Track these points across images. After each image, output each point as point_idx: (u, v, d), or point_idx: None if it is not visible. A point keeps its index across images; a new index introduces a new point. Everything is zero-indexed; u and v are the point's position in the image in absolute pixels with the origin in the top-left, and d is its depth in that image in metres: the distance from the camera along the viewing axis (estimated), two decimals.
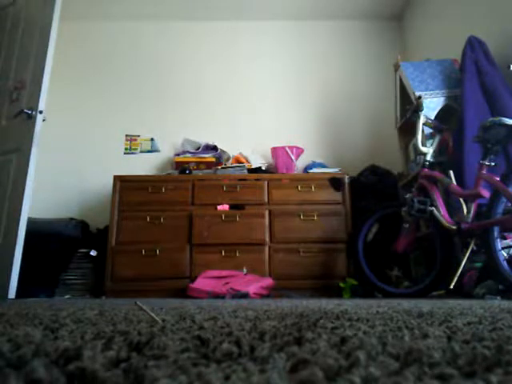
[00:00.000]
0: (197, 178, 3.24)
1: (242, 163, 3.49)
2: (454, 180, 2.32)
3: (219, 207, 3.11)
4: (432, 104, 2.74)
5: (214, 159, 3.52)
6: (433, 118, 2.67)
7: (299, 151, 3.58)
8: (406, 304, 1.33)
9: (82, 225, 3.30)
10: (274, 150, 3.57)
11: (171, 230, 3.05)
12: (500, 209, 2.02)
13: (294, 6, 4.10)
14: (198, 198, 3.14)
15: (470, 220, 2.14)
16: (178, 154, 3.61)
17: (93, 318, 0.75)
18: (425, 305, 1.24)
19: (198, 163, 3.48)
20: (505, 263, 1.95)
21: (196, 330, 0.54)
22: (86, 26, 4.21)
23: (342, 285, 2.86)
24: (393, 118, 3.44)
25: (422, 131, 2.59)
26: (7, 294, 2.26)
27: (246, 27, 4.26)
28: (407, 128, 3.17)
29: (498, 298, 1.95)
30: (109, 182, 3.26)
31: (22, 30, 2.89)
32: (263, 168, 3.51)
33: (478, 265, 2.26)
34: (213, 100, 4.05)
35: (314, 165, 3.53)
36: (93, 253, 3.11)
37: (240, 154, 3.67)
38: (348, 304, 1.34)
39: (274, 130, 3.93)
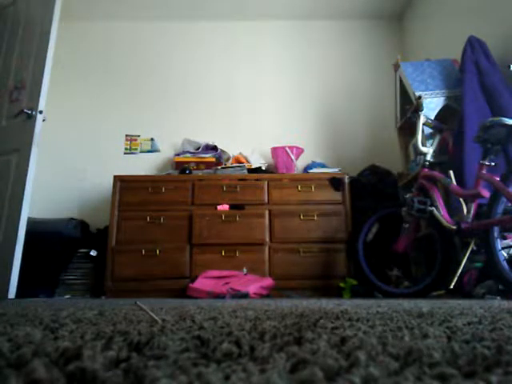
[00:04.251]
0: (197, 177, 3.23)
1: (242, 163, 3.49)
2: (454, 180, 2.32)
3: (219, 207, 3.11)
4: (432, 104, 2.74)
5: (214, 159, 3.52)
6: (433, 118, 2.67)
7: (299, 151, 3.58)
8: (406, 304, 1.33)
9: (82, 225, 3.30)
10: (274, 149, 3.57)
11: (171, 230, 3.04)
12: (500, 209, 2.02)
13: (294, 6, 4.10)
14: (198, 197, 3.14)
15: (470, 220, 2.14)
16: (178, 154, 3.61)
17: (93, 318, 0.75)
18: (425, 305, 1.24)
19: (197, 163, 3.48)
20: (505, 263, 1.95)
21: (196, 330, 0.54)
22: (86, 26, 4.21)
23: (342, 285, 2.86)
24: (393, 118, 3.44)
25: (422, 131, 2.59)
26: (7, 293, 2.26)
27: (245, 27, 4.26)
28: (407, 128, 3.17)
29: (498, 298, 1.95)
30: (109, 182, 3.26)
31: (22, 29, 2.89)
32: (263, 168, 3.51)
33: (478, 265, 2.26)
34: (213, 100, 4.05)
35: (313, 165, 3.53)
36: (93, 253, 3.11)
37: (240, 154, 3.67)
38: (348, 304, 1.34)
39: (274, 130, 3.93)
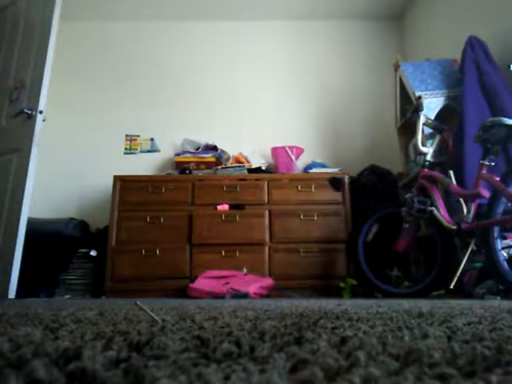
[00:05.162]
0: (197, 177, 3.23)
1: (242, 163, 3.49)
2: (454, 180, 2.32)
3: (219, 207, 3.11)
4: (432, 104, 2.74)
5: (214, 159, 3.52)
6: (433, 118, 2.67)
7: (299, 151, 3.58)
8: (406, 304, 1.33)
9: (82, 225, 3.30)
10: (274, 149, 3.57)
11: (171, 230, 3.04)
12: (500, 209, 2.02)
13: (294, 6, 4.10)
14: (198, 197, 3.14)
15: (470, 220, 2.14)
16: (178, 154, 3.61)
17: (93, 318, 0.75)
18: (425, 305, 1.24)
19: (198, 163, 3.48)
20: (505, 263, 1.95)
21: (196, 330, 0.54)
22: (86, 26, 4.21)
23: (341, 285, 2.86)
24: (393, 118, 3.44)
25: (422, 131, 2.59)
26: (7, 293, 2.26)
27: (246, 27, 4.26)
28: (407, 128, 3.17)
29: (498, 298, 1.95)
30: (109, 182, 3.26)
31: (22, 30, 2.89)
32: (263, 168, 3.51)
33: (478, 265, 2.26)
34: (213, 100, 4.05)
35: (314, 165, 3.53)
36: (93, 253, 3.11)
37: (240, 154, 3.67)
38: (348, 304, 1.34)
39: (274, 130, 3.93)
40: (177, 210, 3.10)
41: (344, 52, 4.21)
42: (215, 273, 2.82)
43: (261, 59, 4.19)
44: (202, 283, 2.70)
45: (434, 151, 2.49)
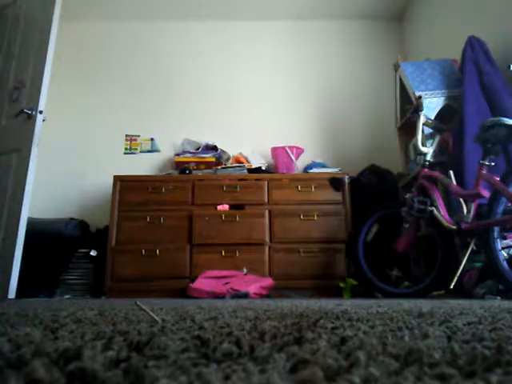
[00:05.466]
0: (197, 177, 3.23)
1: (242, 163, 3.49)
2: (454, 180, 2.32)
3: (219, 207, 3.11)
4: (432, 104, 2.74)
5: (214, 159, 3.52)
6: (433, 118, 2.67)
7: (299, 151, 3.58)
8: (406, 304, 1.33)
9: (82, 225, 3.30)
10: (274, 149, 3.57)
11: (171, 230, 3.05)
12: (500, 209, 2.02)
13: (294, 6, 4.10)
14: (198, 197, 3.14)
15: (470, 220, 2.14)
16: (178, 154, 3.61)
17: (93, 318, 0.75)
18: (425, 305, 1.24)
19: (197, 163, 3.48)
20: (505, 263, 1.95)
21: (196, 330, 0.54)
22: (86, 26, 4.21)
23: (341, 285, 2.86)
24: (393, 118, 3.44)
25: (422, 131, 2.59)
26: (7, 293, 2.26)
27: (245, 27, 4.26)
28: (407, 128, 3.17)
29: (498, 298, 1.95)
30: (109, 182, 3.26)
31: (21, 29, 2.89)
32: (263, 168, 3.50)
33: (478, 265, 2.26)
34: (213, 100, 4.05)
35: (314, 165, 3.53)
36: (93, 253, 3.11)
37: (240, 154, 3.67)
38: (348, 304, 1.34)
39: (274, 130, 3.93)
40: (177, 210, 3.10)
41: (344, 52, 4.21)
42: (215, 273, 2.82)
43: (261, 59, 4.19)
44: (202, 283, 2.70)
45: (434, 151, 2.49)
